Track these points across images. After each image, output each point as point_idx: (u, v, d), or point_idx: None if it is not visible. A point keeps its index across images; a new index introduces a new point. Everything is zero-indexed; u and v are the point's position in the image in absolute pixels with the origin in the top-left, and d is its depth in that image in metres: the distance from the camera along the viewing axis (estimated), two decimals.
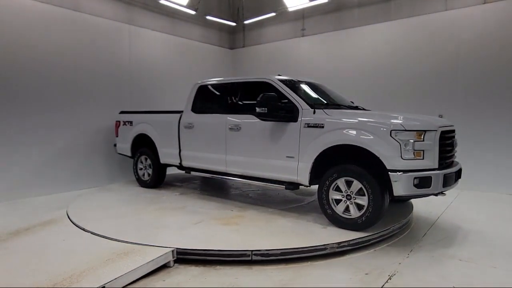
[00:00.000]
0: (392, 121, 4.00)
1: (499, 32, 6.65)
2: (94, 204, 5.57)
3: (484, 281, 3.21)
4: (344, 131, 4.16)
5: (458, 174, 4.35)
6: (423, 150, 3.87)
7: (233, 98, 5.45)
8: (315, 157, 4.35)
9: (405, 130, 3.86)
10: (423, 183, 3.82)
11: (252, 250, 3.56)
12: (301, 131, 4.48)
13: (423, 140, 3.88)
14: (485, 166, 6.77)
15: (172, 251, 3.53)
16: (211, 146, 5.55)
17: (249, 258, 3.55)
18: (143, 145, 6.77)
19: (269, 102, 4.50)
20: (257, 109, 4.54)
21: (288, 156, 4.60)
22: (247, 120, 5.08)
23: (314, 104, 4.68)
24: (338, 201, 4.28)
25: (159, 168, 6.56)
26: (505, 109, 6.61)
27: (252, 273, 3.38)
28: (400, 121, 3.98)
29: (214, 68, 10.06)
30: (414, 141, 3.84)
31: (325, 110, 4.52)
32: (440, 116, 5.26)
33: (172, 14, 8.99)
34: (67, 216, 4.87)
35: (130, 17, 8.09)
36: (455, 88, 7.12)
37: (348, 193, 4.18)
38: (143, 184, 6.82)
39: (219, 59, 10.50)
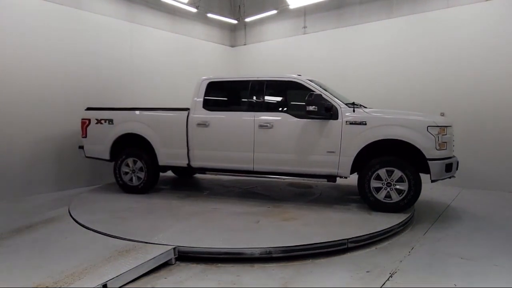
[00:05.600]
0: (426, 118, 4.77)
1: (501, 29, 6.61)
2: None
3: (485, 280, 3.21)
4: (387, 128, 4.74)
5: None
6: (447, 142, 4.72)
7: (257, 96, 5.41)
8: (358, 151, 4.82)
9: (437, 126, 4.66)
10: (449, 168, 4.71)
11: (348, 239, 3.82)
12: (343, 128, 4.89)
13: (446, 134, 4.72)
14: (487, 165, 6.75)
15: (174, 248, 3.54)
16: (234, 144, 5.39)
17: (346, 247, 3.79)
18: (129, 146, 6.03)
19: (318, 101, 4.80)
20: (307, 108, 4.78)
21: (329, 151, 4.96)
22: (281, 118, 5.20)
23: (351, 103, 5.11)
24: (377, 189, 4.84)
25: (155, 171, 5.95)
26: (506, 106, 6.57)
27: (254, 271, 3.39)
28: (432, 119, 4.76)
29: (215, 66, 10.04)
30: (442, 135, 4.66)
31: (364, 109, 5.06)
32: (442, 114, 5.32)
33: (173, 11, 8.98)
34: (69, 214, 4.88)
35: (132, 15, 8.07)
36: (456, 86, 7.08)
37: (389, 181, 4.77)
38: (130, 189, 5.98)
39: (220, 57, 10.47)
